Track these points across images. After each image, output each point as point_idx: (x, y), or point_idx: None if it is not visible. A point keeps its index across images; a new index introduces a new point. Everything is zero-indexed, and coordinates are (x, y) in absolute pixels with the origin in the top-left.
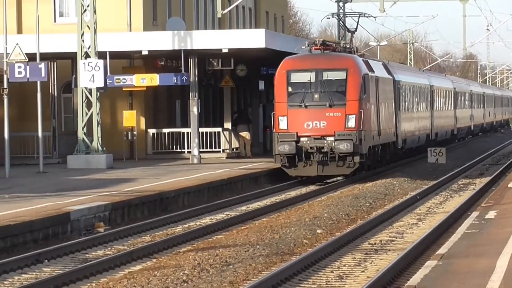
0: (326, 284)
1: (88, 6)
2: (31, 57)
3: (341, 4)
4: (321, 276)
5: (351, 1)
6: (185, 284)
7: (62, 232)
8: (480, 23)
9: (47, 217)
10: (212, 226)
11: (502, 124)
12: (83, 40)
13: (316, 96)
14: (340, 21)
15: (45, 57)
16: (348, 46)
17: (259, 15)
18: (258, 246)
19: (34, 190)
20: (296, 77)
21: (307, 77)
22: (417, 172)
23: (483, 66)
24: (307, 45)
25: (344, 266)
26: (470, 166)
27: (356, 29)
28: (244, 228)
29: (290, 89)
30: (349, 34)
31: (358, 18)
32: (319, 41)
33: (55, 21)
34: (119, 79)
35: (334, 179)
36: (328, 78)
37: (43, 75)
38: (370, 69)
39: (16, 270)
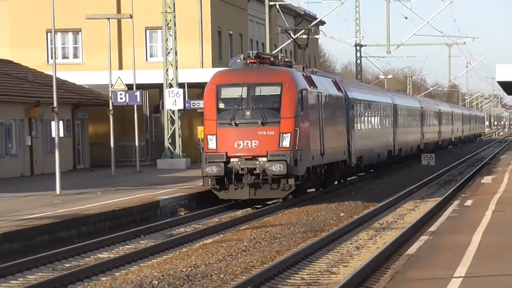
0: (347, 252)
1: (171, 49)
2: (129, 87)
3: (358, 48)
4: (343, 247)
5: (365, 46)
6: (244, 252)
7: (154, 215)
8: (461, 61)
9: (142, 204)
10: (264, 210)
11: (470, 139)
12: (167, 74)
13: (248, 113)
14: (357, 61)
15: (139, 86)
16: (287, 59)
17: (298, 55)
18: (297, 225)
19: (132, 184)
20: (226, 93)
21: (238, 92)
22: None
23: (463, 93)
24: (242, 59)
25: (360, 240)
26: (452, 167)
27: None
28: (287, 212)
29: (219, 106)
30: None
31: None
32: (252, 53)
33: (146, 60)
34: (194, 103)
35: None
36: (261, 94)
37: (138, 100)
38: (312, 84)
39: (121, 242)
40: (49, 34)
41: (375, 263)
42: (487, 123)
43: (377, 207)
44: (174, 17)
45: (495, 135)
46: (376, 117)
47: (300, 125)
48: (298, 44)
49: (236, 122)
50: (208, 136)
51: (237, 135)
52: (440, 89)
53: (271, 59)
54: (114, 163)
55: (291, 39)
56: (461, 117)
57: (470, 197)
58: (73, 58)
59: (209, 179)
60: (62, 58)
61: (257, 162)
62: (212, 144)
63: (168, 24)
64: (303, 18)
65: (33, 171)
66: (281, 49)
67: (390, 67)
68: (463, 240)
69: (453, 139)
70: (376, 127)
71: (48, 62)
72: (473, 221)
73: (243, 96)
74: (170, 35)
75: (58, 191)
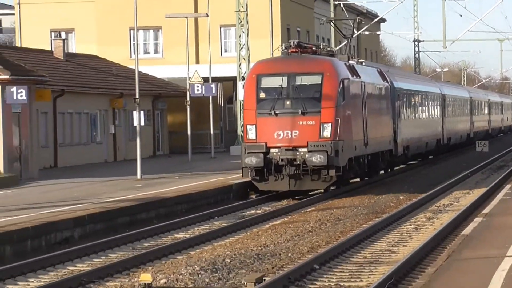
0: (406, 233)
1: (244, 44)
2: (205, 79)
3: (416, 43)
4: (402, 228)
5: (423, 41)
6: (310, 233)
7: (227, 198)
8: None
9: (216, 188)
10: (329, 194)
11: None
12: (240, 68)
13: (288, 102)
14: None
15: (214, 79)
16: (329, 49)
17: (361, 50)
18: (359, 207)
19: (207, 170)
20: (266, 82)
21: (278, 81)
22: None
23: None
24: (284, 48)
25: (419, 221)
26: (504, 154)
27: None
28: (350, 196)
29: (259, 95)
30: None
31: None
32: (294, 42)
33: (221, 55)
34: None
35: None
36: (301, 83)
37: (213, 91)
38: (355, 74)
39: (196, 223)
40: (131, 31)
41: (433, 243)
42: None
43: (434, 190)
44: (247, 15)
45: None
46: (423, 107)
47: (342, 115)
48: (343, 34)
49: (276, 112)
50: (248, 126)
51: (276, 125)
52: (492, 81)
53: (313, 49)
54: (191, 150)
55: (337, 30)
56: (511, 107)
57: None
58: (154, 53)
59: (249, 170)
60: (144, 54)
61: (297, 153)
62: (251, 134)
63: (241, 22)
64: (365, 16)
65: (116, 158)
66: (345, 44)
67: (446, 61)
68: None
69: (503, 128)
70: (423, 117)
71: (131, 57)
72: None
73: (283, 86)
74: (243, 32)
75: (138, 175)
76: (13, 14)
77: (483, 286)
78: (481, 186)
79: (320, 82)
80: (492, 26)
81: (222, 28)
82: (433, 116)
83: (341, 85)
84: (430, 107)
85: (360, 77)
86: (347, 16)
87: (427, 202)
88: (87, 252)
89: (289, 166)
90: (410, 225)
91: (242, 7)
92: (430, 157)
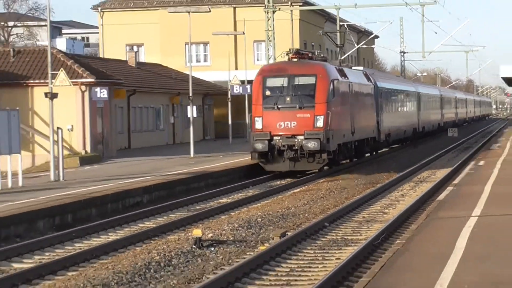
0: (395, 198)
1: (271, 55)
2: (242, 82)
3: (402, 54)
4: (392, 195)
5: (407, 53)
6: (322, 198)
7: (258, 173)
8: (476, 63)
9: (250, 164)
10: (336, 169)
11: (481, 118)
12: None
13: (288, 99)
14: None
15: (249, 82)
16: (323, 55)
17: (360, 60)
18: (359, 179)
19: (244, 150)
20: (271, 82)
21: (280, 81)
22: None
23: (477, 85)
24: (285, 54)
25: (404, 189)
26: (469, 138)
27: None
28: (350, 172)
29: (265, 93)
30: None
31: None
32: (293, 50)
33: (254, 63)
34: None
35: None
36: (299, 83)
37: (248, 91)
38: (343, 75)
39: (235, 191)
40: (187, 45)
41: (415, 206)
42: (494, 106)
43: (415, 166)
44: (274, 33)
45: (500, 115)
46: (402, 102)
47: (332, 109)
48: (336, 44)
49: (278, 106)
50: (256, 118)
51: (279, 117)
52: (460, 83)
53: (309, 55)
54: (231, 135)
55: (331, 40)
56: (473, 102)
57: (482, 159)
58: (203, 62)
59: (256, 154)
60: (196, 62)
61: (296, 140)
62: (258, 125)
63: (269, 38)
64: (363, 34)
65: (174, 141)
66: (348, 56)
67: (424, 67)
68: (477, 190)
69: (467, 119)
70: (402, 110)
71: (186, 65)
72: (485, 176)
73: (284, 85)
74: (270, 45)
75: (192, 154)
76: (98, 32)
77: (454, 238)
78: (452, 163)
79: (314, 82)
80: (460, 41)
81: (255, 43)
82: (410, 109)
83: (331, 85)
84: (408, 103)
85: (348, 78)
86: (350, 35)
87: (410, 175)
88: (153, 213)
89: (289, 151)
90: (398, 192)
91: (270, 27)
92: (408, 142)
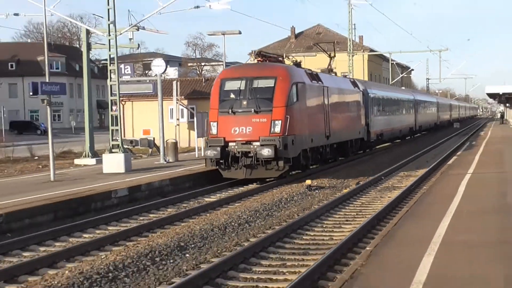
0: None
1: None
2: None
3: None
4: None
5: (430, 79)
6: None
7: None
8: (471, 84)
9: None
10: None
11: (470, 117)
12: None
13: (245, 102)
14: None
15: None
16: (298, 62)
17: (403, 84)
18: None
19: None
20: (228, 85)
21: (237, 84)
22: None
23: (471, 98)
24: (253, 58)
25: (419, 163)
26: (465, 129)
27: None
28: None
29: (222, 97)
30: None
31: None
32: (255, 51)
33: None
34: None
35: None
36: (258, 86)
37: None
38: (315, 79)
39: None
40: None
41: (434, 168)
42: (480, 110)
43: (424, 150)
44: (353, 68)
45: (484, 116)
46: (395, 106)
47: (293, 113)
48: (328, 54)
49: (234, 111)
50: (211, 123)
51: (234, 122)
52: (461, 96)
53: (279, 59)
54: None
55: (322, 50)
56: (464, 107)
57: (473, 140)
58: None
59: (210, 161)
60: None
61: (252, 146)
62: (214, 130)
63: (350, 71)
64: (405, 68)
65: None
66: (396, 81)
67: (441, 87)
68: (470, 159)
69: (459, 118)
70: (396, 113)
71: None
72: (475, 151)
73: (241, 88)
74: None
75: None
76: None
77: (457, 185)
78: (455, 144)
79: (273, 85)
80: (461, 71)
81: (341, 74)
82: (405, 112)
83: (294, 88)
84: (403, 107)
85: (322, 82)
86: (397, 69)
87: (418, 157)
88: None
89: (245, 158)
90: (414, 165)
91: (351, 64)
92: (407, 138)
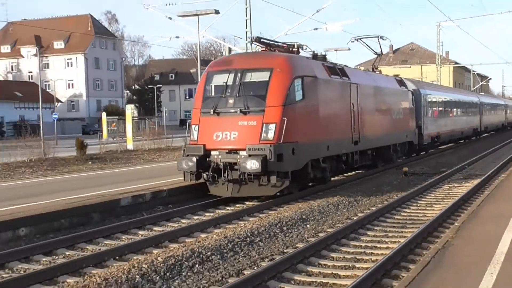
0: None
1: None
2: None
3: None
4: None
5: (506, 86)
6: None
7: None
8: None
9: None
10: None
11: None
12: None
13: (231, 101)
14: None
15: None
16: (314, 51)
17: (482, 90)
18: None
19: None
20: (215, 79)
21: (225, 78)
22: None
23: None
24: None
25: (487, 161)
26: None
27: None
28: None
29: (206, 93)
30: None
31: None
32: (253, 38)
33: None
34: None
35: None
36: (250, 80)
37: None
38: (336, 74)
39: None
40: None
41: (500, 168)
42: None
43: (490, 150)
44: (440, 78)
45: None
46: (456, 108)
47: (294, 114)
48: (374, 51)
49: (217, 111)
50: (193, 126)
51: (217, 126)
52: None
53: (285, 46)
54: None
55: (368, 47)
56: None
57: None
58: None
59: (188, 174)
60: None
61: (238, 156)
62: (194, 135)
63: (438, 80)
64: (483, 77)
65: None
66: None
67: None
68: None
69: None
70: (456, 115)
71: None
72: None
73: (228, 83)
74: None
75: None
76: None
77: None
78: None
79: (267, 79)
80: None
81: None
82: (469, 114)
83: (298, 82)
84: (465, 109)
85: (348, 78)
86: (477, 78)
87: (487, 155)
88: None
89: (230, 171)
90: (483, 162)
91: (438, 75)
92: (473, 138)
